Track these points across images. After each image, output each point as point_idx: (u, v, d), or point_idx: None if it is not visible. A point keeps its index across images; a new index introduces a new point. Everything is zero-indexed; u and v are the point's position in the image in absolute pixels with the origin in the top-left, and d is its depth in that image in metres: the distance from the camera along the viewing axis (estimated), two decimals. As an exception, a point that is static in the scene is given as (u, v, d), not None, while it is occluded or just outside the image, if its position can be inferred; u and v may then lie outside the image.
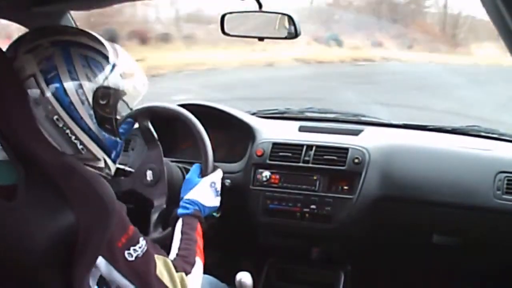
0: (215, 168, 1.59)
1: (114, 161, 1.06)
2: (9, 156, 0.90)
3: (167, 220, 1.56)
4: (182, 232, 1.22)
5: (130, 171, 1.61)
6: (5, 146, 0.90)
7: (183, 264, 1.09)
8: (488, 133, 1.87)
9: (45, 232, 0.86)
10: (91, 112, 0.96)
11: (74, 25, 1.50)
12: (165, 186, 1.58)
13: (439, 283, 1.87)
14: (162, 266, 1.01)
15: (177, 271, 1.04)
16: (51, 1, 1.20)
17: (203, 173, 1.49)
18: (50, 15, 1.35)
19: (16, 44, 0.97)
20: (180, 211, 1.29)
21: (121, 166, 1.57)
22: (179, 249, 1.16)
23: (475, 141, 1.81)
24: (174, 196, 1.61)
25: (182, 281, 1.04)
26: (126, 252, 0.93)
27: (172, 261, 1.05)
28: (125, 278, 0.94)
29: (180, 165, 1.70)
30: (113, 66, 0.99)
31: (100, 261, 0.92)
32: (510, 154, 1.70)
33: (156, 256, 1.02)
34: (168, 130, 1.82)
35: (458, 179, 1.65)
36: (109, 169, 1.06)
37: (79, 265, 0.88)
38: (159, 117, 1.61)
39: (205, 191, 1.35)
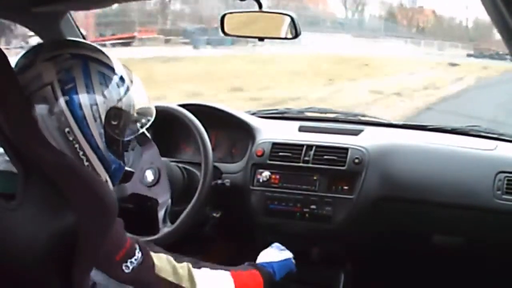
0: (215, 168, 1.59)
1: (113, 184, 1.06)
2: (9, 156, 0.90)
3: (174, 214, 1.56)
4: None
5: (131, 172, 1.61)
6: (5, 146, 0.90)
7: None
8: (488, 133, 1.87)
9: (45, 232, 0.86)
10: (102, 131, 0.96)
11: (74, 25, 1.50)
12: (167, 182, 1.58)
13: (440, 283, 1.87)
14: (162, 263, 1.05)
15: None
16: (51, 1, 1.20)
17: (203, 172, 1.49)
18: (50, 15, 1.35)
19: (35, 51, 0.96)
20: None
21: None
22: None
23: (475, 141, 1.81)
24: (175, 195, 1.62)
25: (189, 271, 1.10)
26: (123, 265, 0.96)
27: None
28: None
29: (180, 165, 1.70)
30: (128, 89, 0.99)
31: (98, 273, 0.93)
32: (510, 154, 1.70)
33: (156, 255, 1.06)
34: (168, 130, 1.82)
35: (458, 179, 1.65)
36: None
37: (79, 266, 0.88)
38: (159, 117, 1.61)
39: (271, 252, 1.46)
